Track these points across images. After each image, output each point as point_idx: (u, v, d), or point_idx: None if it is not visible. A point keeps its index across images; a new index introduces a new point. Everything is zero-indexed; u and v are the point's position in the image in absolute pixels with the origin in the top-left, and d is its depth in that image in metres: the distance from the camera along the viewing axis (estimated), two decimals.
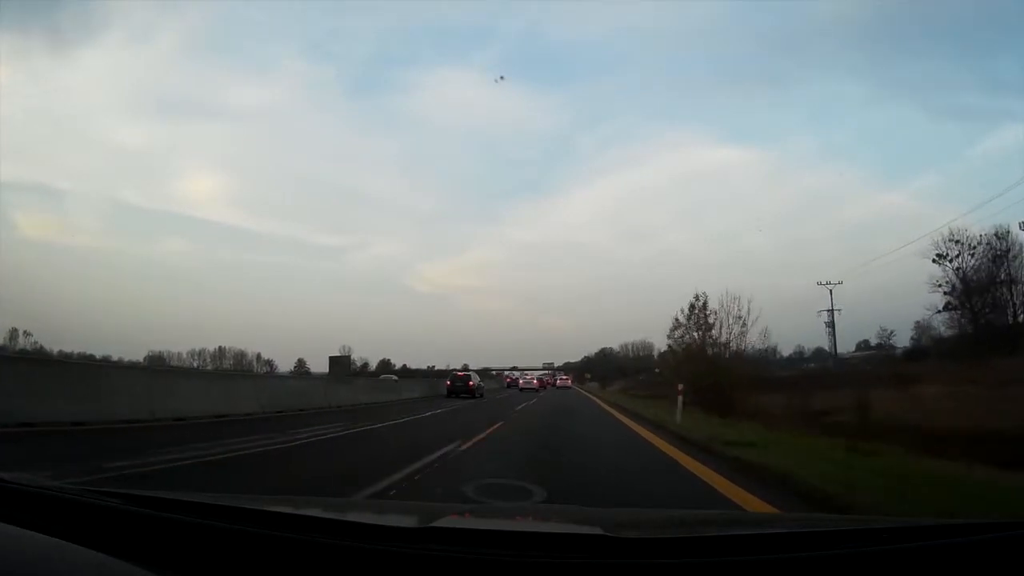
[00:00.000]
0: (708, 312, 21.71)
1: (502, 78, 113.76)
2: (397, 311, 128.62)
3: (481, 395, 29.58)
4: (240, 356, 76.83)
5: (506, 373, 69.74)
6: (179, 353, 73.53)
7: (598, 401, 28.25)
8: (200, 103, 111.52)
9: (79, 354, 41.80)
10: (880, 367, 33.12)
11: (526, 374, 60.53)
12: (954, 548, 1.10)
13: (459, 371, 34.51)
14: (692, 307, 22.75)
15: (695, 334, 22.50)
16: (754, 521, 2.44)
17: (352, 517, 1.58)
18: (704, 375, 19.00)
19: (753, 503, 4.62)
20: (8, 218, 65.84)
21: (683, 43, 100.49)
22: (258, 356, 77.32)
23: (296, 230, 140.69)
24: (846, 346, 45.31)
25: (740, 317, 20.05)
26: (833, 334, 44.53)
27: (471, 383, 29.28)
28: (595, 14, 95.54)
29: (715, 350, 20.88)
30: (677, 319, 23.84)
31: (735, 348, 20.32)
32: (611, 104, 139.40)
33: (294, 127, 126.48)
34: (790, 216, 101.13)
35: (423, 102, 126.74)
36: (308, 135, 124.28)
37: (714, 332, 21.09)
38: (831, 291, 42.97)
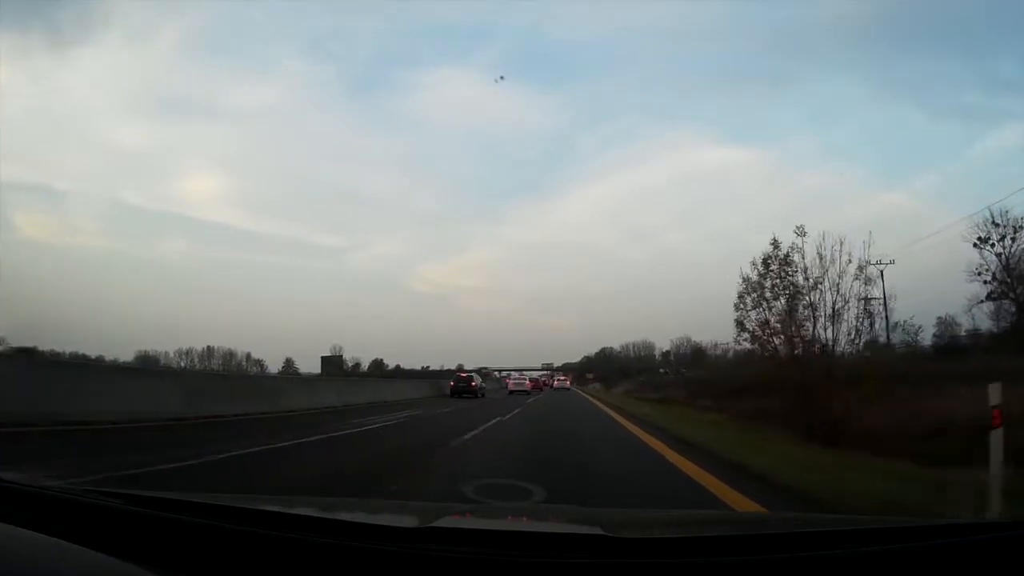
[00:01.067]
0: (793, 269, 12.16)
1: (502, 78, 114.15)
2: (394, 311, 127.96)
3: (482, 395, 31.34)
4: (229, 356, 73.88)
5: (502, 374, 68.88)
6: (166, 352, 70.61)
7: (616, 415, 16.47)
8: (200, 103, 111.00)
9: (71, 353, 41.06)
10: (913, 364, 31.25)
11: (522, 374, 59.86)
12: (953, 548, 1.10)
13: (462, 372, 36.02)
14: (767, 261, 12.80)
15: (775, 303, 12.71)
16: (754, 521, 2.44)
17: (352, 517, 1.59)
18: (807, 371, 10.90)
19: None
20: (5, 218, 65.27)
21: (683, 43, 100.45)
22: (248, 356, 74.14)
23: (295, 230, 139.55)
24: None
25: (860, 269, 10.77)
26: (886, 320, 40.42)
27: (473, 383, 31.19)
28: (595, 14, 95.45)
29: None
30: (748, 277, 13.36)
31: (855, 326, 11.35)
32: (611, 104, 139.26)
33: (294, 127, 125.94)
34: (790, 216, 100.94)
35: (423, 102, 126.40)
36: (308, 135, 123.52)
37: (812, 297, 11.71)
38: (882, 272, 38.27)
